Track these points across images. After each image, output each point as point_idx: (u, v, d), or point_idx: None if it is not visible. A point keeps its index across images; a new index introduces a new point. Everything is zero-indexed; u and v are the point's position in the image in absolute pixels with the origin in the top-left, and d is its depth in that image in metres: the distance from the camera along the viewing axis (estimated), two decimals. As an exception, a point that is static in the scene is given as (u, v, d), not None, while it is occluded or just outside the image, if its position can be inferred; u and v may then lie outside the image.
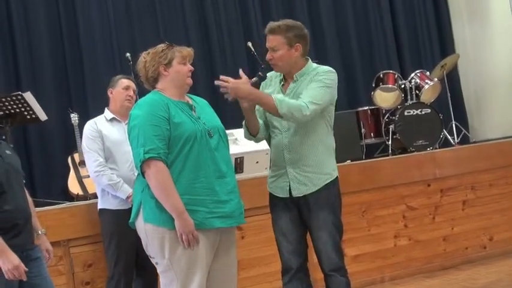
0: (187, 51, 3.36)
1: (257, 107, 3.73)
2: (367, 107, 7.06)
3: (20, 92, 5.35)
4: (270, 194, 3.74)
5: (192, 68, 3.36)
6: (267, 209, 3.77)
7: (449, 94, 7.30)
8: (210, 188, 3.18)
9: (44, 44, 6.51)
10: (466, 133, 7.66)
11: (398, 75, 7.01)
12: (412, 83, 6.90)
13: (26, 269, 3.01)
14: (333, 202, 3.65)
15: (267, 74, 3.78)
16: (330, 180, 3.62)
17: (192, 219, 3.11)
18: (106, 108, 4.48)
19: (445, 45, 8.35)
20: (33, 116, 5.36)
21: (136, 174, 3.71)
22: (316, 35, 7.53)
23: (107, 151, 4.30)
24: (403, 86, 6.90)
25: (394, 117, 6.71)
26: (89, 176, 4.79)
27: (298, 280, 3.65)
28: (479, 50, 8.11)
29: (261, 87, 3.79)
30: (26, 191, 3.31)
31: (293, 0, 7.65)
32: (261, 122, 3.65)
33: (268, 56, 3.63)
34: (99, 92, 5.88)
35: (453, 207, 5.80)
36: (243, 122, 3.61)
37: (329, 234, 3.59)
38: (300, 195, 3.60)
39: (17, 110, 5.27)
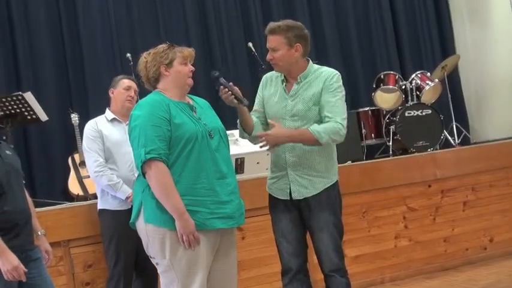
0: (188, 51, 3.36)
1: (257, 107, 3.74)
2: (367, 108, 7.07)
3: (20, 92, 5.35)
4: (270, 195, 3.74)
5: (192, 68, 3.36)
6: (268, 210, 3.77)
7: (449, 95, 7.30)
8: (211, 188, 3.18)
9: (44, 44, 6.51)
10: (467, 134, 7.66)
11: (399, 76, 7.01)
12: (413, 84, 6.90)
13: (25, 270, 3.01)
14: (333, 203, 3.65)
15: (266, 75, 3.79)
16: (330, 184, 3.63)
17: (192, 220, 3.11)
18: (107, 109, 4.48)
19: (445, 46, 8.35)
20: (34, 116, 5.36)
21: (136, 174, 3.72)
22: (316, 35, 7.53)
23: (107, 151, 4.30)
24: (403, 86, 6.90)
25: (394, 118, 6.71)
26: (89, 177, 4.80)
27: (298, 281, 3.64)
28: (480, 51, 8.11)
29: (259, 87, 3.79)
30: (26, 192, 3.31)
31: (294, 1, 7.64)
32: (255, 119, 3.65)
33: (268, 56, 3.63)
34: (99, 92, 5.89)
35: (454, 208, 5.80)
36: (238, 121, 3.61)
37: (330, 235, 3.59)
38: (300, 198, 3.60)
39: (18, 110, 5.27)
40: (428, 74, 7.05)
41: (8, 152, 3.24)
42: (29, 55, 6.44)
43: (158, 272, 3.26)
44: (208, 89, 6.43)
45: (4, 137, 5.07)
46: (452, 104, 7.39)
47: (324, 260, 3.61)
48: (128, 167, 4.25)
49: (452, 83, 7.74)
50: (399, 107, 6.85)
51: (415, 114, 6.67)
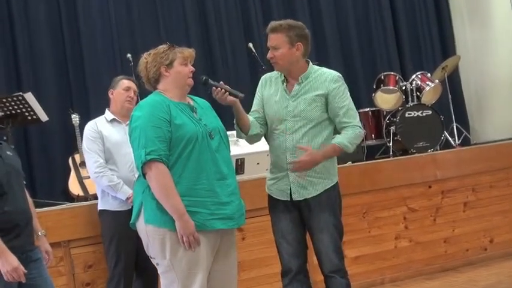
0: (189, 52, 3.36)
1: (256, 108, 3.74)
2: (368, 109, 7.06)
3: (21, 93, 5.35)
4: (269, 196, 3.74)
5: (193, 68, 3.36)
6: (268, 211, 3.77)
7: (450, 96, 7.29)
8: (211, 189, 3.18)
9: (45, 45, 6.51)
10: (467, 135, 7.65)
11: (399, 77, 7.01)
12: (413, 85, 6.89)
13: (25, 271, 3.01)
14: (334, 204, 3.65)
15: (265, 75, 3.79)
16: (331, 185, 3.64)
17: (192, 221, 3.11)
18: (106, 109, 4.48)
19: (446, 46, 8.35)
20: (34, 116, 5.36)
21: (136, 175, 3.72)
22: (317, 36, 7.53)
23: (107, 152, 4.30)
24: (404, 87, 6.89)
25: (395, 119, 6.71)
26: (89, 177, 4.79)
27: (298, 282, 3.65)
28: (480, 52, 8.11)
29: (258, 88, 3.79)
30: (27, 192, 3.31)
31: (294, 1, 7.65)
32: (251, 119, 3.65)
33: (269, 55, 3.63)
34: (100, 93, 5.88)
35: (454, 209, 5.80)
36: (234, 121, 3.61)
37: (330, 235, 3.59)
38: (300, 199, 3.60)
39: (18, 111, 5.28)
40: (429, 74, 7.04)
41: (8, 152, 3.24)
42: (29, 55, 6.44)
43: (158, 272, 3.26)
44: (208, 89, 6.42)
45: (5, 138, 5.07)
46: (453, 104, 7.39)
47: (324, 260, 3.61)
48: (128, 168, 4.25)
49: (453, 83, 7.73)
50: (399, 108, 6.85)
51: (415, 115, 6.67)
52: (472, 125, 8.25)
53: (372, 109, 7.03)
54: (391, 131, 6.69)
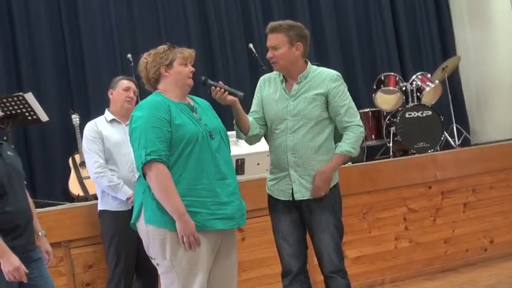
0: (189, 52, 3.36)
1: (255, 108, 3.74)
2: (368, 109, 7.06)
3: (21, 93, 5.35)
4: (269, 196, 3.73)
5: (193, 69, 3.36)
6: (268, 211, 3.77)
7: (450, 96, 7.29)
8: (211, 189, 3.18)
9: (45, 45, 6.51)
10: (467, 135, 7.65)
11: (399, 78, 7.01)
12: (413, 85, 6.89)
13: (27, 271, 3.02)
14: (334, 204, 3.66)
15: (263, 76, 3.80)
16: (332, 185, 3.64)
17: (193, 221, 3.11)
18: (106, 109, 4.48)
19: (446, 47, 8.35)
20: (35, 116, 5.36)
21: (136, 175, 3.72)
22: (317, 36, 7.53)
23: (107, 152, 4.30)
24: (404, 88, 6.89)
25: (395, 119, 6.71)
26: (89, 177, 4.79)
27: (298, 283, 3.65)
28: (481, 52, 8.10)
29: (257, 89, 3.79)
30: (27, 192, 3.31)
31: (294, 1, 7.65)
32: (251, 119, 3.65)
33: (269, 55, 3.64)
34: (100, 93, 5.89)
35: (454, 210, 5.80)
36: (234, 121, 3.61)
37: (331, 236, 3.59)
38: (302, 199, 3.60)
39: (18, 111, 5.27)
40: (429, 75, 7.04)
41: (9, 152, 3.24)
42: (30, 56, 6.44)
43: (159, 272, 3.26)
44: (208, 89, 6.42)
45: (5, 138, 5.07)
46: (453, 105, 7.39)
47: (324, 261, 3.61)
48: (128, 168, 4.25)
49: (453, 83, 7.73)
50: (400, 108, 6.85)
51: (415, 116, 6.67)
52: (472, 125, 8.25)
53: (372, 109, 7.03)
54: (391, 131, 6.69)
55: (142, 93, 3.98)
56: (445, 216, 5.75)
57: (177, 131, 3.16)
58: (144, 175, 3.15)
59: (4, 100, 5.24)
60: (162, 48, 3.33)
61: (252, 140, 3.72)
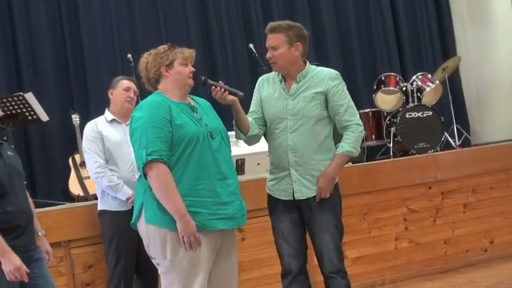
0: (189, 52, 3.36)
1: (254, 109, 3.73)
2: (368, 109, 7.05)
3: (21, 93, 5.35)
4: (269, 196, 3.73)
5: (193, 69, 3.36)
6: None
7: (450, 97, 7.29)
8: (212, 189, 3.18)
9: (45, 45, 6.51)
10: (467, 136, 7.65)
11: (399, 78, 7.00)
12: (414, 86, 6.89)
13: (28, 270, 3.02)
14: (335, 204, 3.66)
15: (261, 77, 3.80)
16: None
17: (194, 221, 3.11)
18: (106, 109, 4.48)
19: (446, 47, 8.35)
20: (35, 116, 5.36)
21: (136, 175, 3.72)
22: (317, 36, 7.53)
23: (107, 152, 4.29)
24: (404, 88, 6.89)
25: (395, 120, 6.71)
26: (89, 177, 4.79)
27: (298, 283, 3.65)
28: (481, 53, 8.10)
29: (255, 89, 3.79)
30: (27, 192, 3.31)
31: (294, 1, 7.65)
32: (250, 119, 3.65)
33: (268, 55, 3.64)
34: (100, 93, 5.89)
35: (454, 210, 5.79)
36: (233, 122, 3.61)
37: (331, 236, 3.59)
38: (302, 198, 3.60)
39: (19, 111, 5.27)
40: (429, 75, 7.04)
41: (9, 152, 3.24)
42: (30, 55, 6.44)
43: (159, 272, 3.26)
44: (209, 89, 6.42)
45: (5, 138, 5.07)
46: (453, 105, 7.39)
47: (324, 261, 3.61)
48: (129, 168, 4.25)
49: (453, 83, 7.73)
50: (400, 109, 6.85)
51: (415, 116, 6.67)
52: (473, 125, 8.25)
53: (372, 110, 7.02)
54: (392, 131, 6.69)
55: (143, 93, 3.98)
56: (445, 216, 5.75)
57: (178, 131, 3.16)
58: (145, 175, 3.15)
59: (4, 100, 5.24)
60: (162, 48, 3.33)
61: (251, 140, 3.72)
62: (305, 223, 3.67)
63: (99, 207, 4.36)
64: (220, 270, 3.29)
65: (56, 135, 6.38)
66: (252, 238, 5.02)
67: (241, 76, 7.17)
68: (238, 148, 5.22)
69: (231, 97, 3.44)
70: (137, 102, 4.30)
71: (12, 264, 2.97)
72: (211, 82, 3.46)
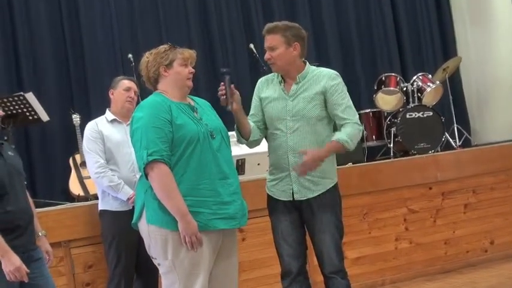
0: (189, 53, 3.35)
1: (253, 111, 3.73)
2: (369, 110, 7.06)
3: (22, 93, 5.35)
4: (269, 197, 3.73)
5: (193, 70, 3.36)
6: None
7: (451, 97, 7.30)
8: (213, 189, 3.18)
9: (46, 45, 6.51)
10: (468, 136, 7.65)
11: (400, 78, 7.00)
12: (414, 86, 6.89)
13: (28, 271, 3.02)
14: (335, 204, 3.65)
15: (261, 79, 3.79)
16: (332, 185, 3.64)
17: (195, 221, 3.11)
18: (107, 109, 4.48)
19: (447, 48, 8.35)
20: (35, 116, 5.36)
21: (137, 175, 3.72)
22: (318, 37, 7.54)
23: (107, 152, 4.29)
24: (405, 88, 6.89)
25: (396, 120, 6.71)
26: (90, 177, 4.80)
27: (298, 283, 3.64)
28: (482, 53, 8.10)
29: (255, 91, 3.79)
30: (27, 192, 3.31)
31: (295, 1, 7.65)
32: (252, 124, 3.65)
33: (266, 56, 3.64)
34: (101, 93, 5.89)
35: (454, 211, 5.79)
36: (235, 126, 3.61)
37: (331, 236, 3.59)
38: (302, 199, 3.60)
39: (19, 111, 5.28)
40: (430, 76, 7.04)
41: (10, 152, 3.24)
42: (31, 56, 6.44)
43: (160, 272, 3.26)
44: (209, 89, 6.44)
45: (5, 137, 5.07)
46: (454, 106, 7.39)
47: (325, 261, 3.61)
48: (129, 168, 4.25)
49: (454, 84, 7.74)
50: (400, 109, 6.84)
51: (416, 116, 6.67)
52: (473, 126, 8.25)
53: (372, 110, 7.03)
54: (392, 132, 6.69)
55: (143, 93, 3.98)
56: (446, 217, 5.75)
57: (178, 131, 3.16)
58: (146, 175, 3.15)
59: (5, 100, 5.24)
60: (163, 47, 3.33)
61: (252, 144, 3.73)
62: (305, 223, 3.66)
63: (100, 207, 4.35)
64: (220, 270, 3.29)
65: (57, 135, 6.39)
66: (252, 238, 5.02)
67: (242, 76, 7.17)
68: (239, 148, 5.21)
69: (234, 106, 3.43)
70: (138, 102, 4.29)
71: (12, 264, 2.97)
72: (225, 80, 3.42)
